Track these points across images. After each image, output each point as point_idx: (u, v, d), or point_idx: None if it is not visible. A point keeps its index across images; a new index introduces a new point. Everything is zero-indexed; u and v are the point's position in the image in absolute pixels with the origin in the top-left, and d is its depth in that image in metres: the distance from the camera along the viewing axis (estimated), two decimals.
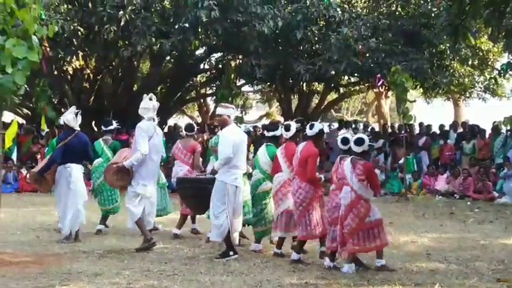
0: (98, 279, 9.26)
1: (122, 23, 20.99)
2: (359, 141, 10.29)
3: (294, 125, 11.62)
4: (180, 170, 13.35)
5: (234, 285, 9.02)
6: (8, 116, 26.80)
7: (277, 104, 38.71)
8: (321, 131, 11.12)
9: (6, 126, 12.95)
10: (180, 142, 13.71)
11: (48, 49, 22.03)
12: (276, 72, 25.43)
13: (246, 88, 34.77)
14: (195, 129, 14.31)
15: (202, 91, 35.28)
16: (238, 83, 29.06)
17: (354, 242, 10.06)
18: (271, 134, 12.00)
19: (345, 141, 10.60)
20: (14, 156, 13.18)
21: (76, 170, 12.64)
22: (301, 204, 10.74)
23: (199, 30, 22.98)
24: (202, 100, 38.51)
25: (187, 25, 22.08)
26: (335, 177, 10.52)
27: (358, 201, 10.04)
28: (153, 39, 21.66)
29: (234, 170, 10.89)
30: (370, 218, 10.12)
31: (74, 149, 12.53)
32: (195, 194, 11.94)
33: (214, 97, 31.09)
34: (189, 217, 13.49)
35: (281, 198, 11.34)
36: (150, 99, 11.87)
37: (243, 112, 38.28)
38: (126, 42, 22.82)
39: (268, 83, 30.27)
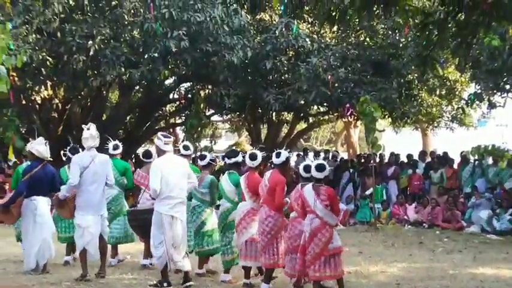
0: None
1: (91, 53, 20.89)
2: (320, 168, 10.37)
3: (259, 154, 11.70)
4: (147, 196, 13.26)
5: None
6: None
7: (247, 133, 38.71)
8: (288, 159, 11.21)
9: None
10: (141, 170, 13.60)
11: (16, 79, 21.85)
12: (245, 101, 25.44)
13: (215, 117, 34.75)
14: (153, 156, 14.23)
15: (172, 121, 35.18)
16: (208, 113, 29.06)
17: (315, 268, 10.12)
18: (232, 161, 12.10)
19: (307, 168, 10.64)
20: None
21: (42, 203, 12.56)
22: (269, 232, 10.85)
23: (169, 60, 22.97)
24: (171, 129, 38.32)
25: (156, 55, 22.04)
26: (296, 204, 10.53)
27: (323, 227, 10.10)
28: (123, 69, 21.57)
29: (168, 200, 11.00)
30: (333, 244, 10.18)
31: (40, 181, 12.44)
32: (140, 225, 12.19)
33: (184, 127, 31.00)
34: None
35: (245, 227, 11.44)
36: (88, 128, 12.00)
37: (212, 142, 38.14)
38: (95, 72, 22.70)
39: (238, 113, 30.26)
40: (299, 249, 10.32)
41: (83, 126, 12.27)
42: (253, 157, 11.61)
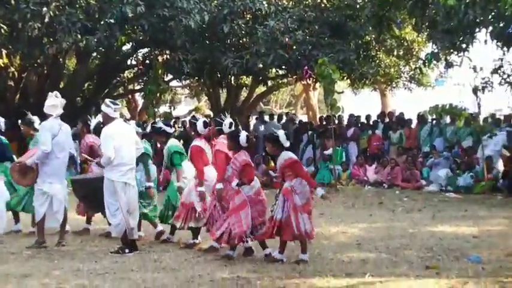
0: (27, 280, 9.14)
1: (46, 20, 20.62)
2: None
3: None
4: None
5: (166, 282, 8.99)
6: None
7: (206, 98, 38.58)
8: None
9: None
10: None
11: None
12: (203, 66, 25.32)
13: (174, 83, 34.55)
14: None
15: (130, 87, 34.95)
16: (166, 78, 28.84)
17: None
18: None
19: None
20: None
21: None
22: None
23: (126, 26, 22.77)
24: (130, 96, 38.13)
25: (112, 21, 21.82)
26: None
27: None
28: (79, 36, 21.32)
29: (120, 167, 10.98)
30: None
31: None
32: (87, 194, 12.19)
33: (143, 93, 30.86)
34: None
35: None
36: (56, 96, 11.91)
37: (172, 107, 38.06)
38: (51, 39, 22.41)
39: (196, 78, 30.12)
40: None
41: (50, 93, 12.10)
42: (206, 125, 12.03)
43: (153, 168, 12.45)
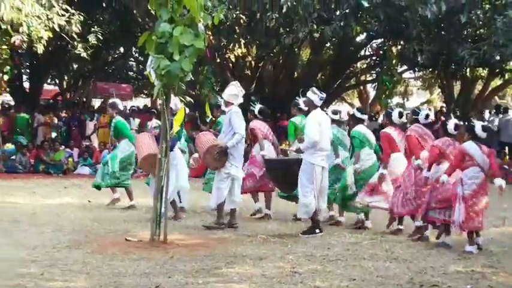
0: (263, 262, 9.37)
1: (284, 10, 21.08)
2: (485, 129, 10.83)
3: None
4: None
5: (398, 272, 8.91)
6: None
7: (439, 90, 37.88)
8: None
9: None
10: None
11: (211, 37, 22.44)
12: (438, 57, 24.84)
13: (406, 74, 34.22)
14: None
15: (362, 78, 35.04)
16: (400, 69, 28.65)
17: (479, 219, 10.51)
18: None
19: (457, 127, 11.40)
20: (183, 140, 13.53)
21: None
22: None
23: (361, 16, 22.81)
24: (362, 87, 38.26)
25: (348, 11, 21.95)
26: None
27: (486, 180, 10.58)
28: (315, 26, 21.66)
29: (321, 152, 11.56)
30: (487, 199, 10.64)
31: None
32: (281, 174, 12.66)
33: (375, 84, 30.78)
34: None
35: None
36: (237, 85, 12.48)
37: (404, 99, 37.78)
38: (287, 29, 22.92)
39: (430, 69, 29.65)
40: (459, 199, 10.43)
41: (231, 82, 12.85)
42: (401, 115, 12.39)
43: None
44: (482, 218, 10.53)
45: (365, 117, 13.29)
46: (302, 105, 13.28)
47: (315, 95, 11.68)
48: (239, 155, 12.33)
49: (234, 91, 12.37)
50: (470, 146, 10.58)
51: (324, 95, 11.88)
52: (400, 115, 12.35)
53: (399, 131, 12.35)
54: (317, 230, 11.59)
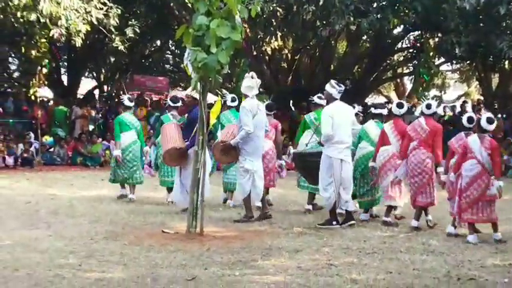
0: (298, 255, 9.37)
1: (321, 3, 21.05)
2: (491, 120, 10.85)
3: (406, 104, 13.01)
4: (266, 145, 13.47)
5: (435, 265, 8.85)
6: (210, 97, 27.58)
7: (477, 83, 37.54)
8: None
9: (209, 106, 13.32)
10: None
11: (248, 30, 22.46)
12: (476, 49, 24.57)
13: (444, 67, 33.95)
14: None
15: (399, 70, 34.84)
16: (437, 62, 28.45)
17: (472, 211, 10.65)
18: (378, 111, 13.11)
19: (470, 120, 11.41)
20: (219, 133, 13.59)
21: None
22: (427, 172, 11.71)
23: (398, 8, 22.68)
24: (398, 80, 38.05)
25: (385, 3, 21.86)
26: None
27: (484, 173, 10.56)
28: (351, 18, 21.59)
29: (337, 145, 11.57)
30: (490, 191, 10.60)
31: None
32: (304, 166, 12.93)
33: (412, 76, 30.58)
34: None
35: (390, 169, 12.25)
36: (252, 77, 12.27)
37: (442, 91, 37.49)
38: (324, 22, 22.86)
39: (468, 62, 29.39)
40: (456, 192, 10.72)
41: (246, 74, 12.67)
42: (400, 105, 12.56)
43: None
44: (478, 210, 10.64)
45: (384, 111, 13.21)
46: (317, 100, 13.57)
47: (333, 88, 11.73)
48: (254, 149, 12.20)
49: (249, 83, 12.28)
50: (471, 140, 10.74)
51: (343, 88, 11.90)
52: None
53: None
54: (334, 222, 11.68)
